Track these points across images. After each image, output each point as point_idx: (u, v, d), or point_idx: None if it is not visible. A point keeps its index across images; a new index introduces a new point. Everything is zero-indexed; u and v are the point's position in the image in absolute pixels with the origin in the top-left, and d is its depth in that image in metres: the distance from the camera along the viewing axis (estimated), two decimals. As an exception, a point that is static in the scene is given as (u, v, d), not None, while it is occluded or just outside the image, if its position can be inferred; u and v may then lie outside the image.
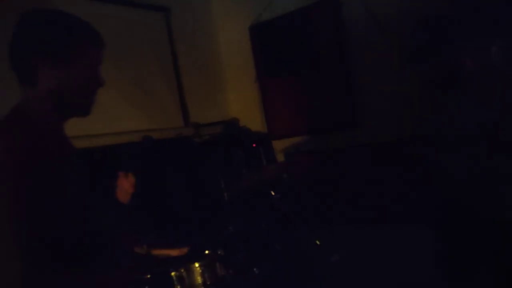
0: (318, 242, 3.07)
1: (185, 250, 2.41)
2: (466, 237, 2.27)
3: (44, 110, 1.29)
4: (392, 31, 2.88)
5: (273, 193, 3.04)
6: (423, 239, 2.48)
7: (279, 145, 3.66)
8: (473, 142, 2.11)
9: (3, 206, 1.12)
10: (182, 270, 2.04)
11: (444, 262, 2.37)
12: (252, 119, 3.72)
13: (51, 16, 1.30)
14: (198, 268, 2.08)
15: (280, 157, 3.68)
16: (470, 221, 2.22)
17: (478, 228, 2.20)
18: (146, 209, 2.67)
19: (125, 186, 2.26)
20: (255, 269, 2.50)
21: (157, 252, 2.36)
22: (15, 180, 1.12)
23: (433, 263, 2.44)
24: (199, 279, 2.08)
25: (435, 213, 2.37)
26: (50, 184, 1.17)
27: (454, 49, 2.07)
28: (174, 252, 2.40)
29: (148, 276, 1.88)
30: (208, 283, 2.08)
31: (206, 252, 2.18)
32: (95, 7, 2.94)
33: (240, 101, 3.87)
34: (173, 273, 1.96)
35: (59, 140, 1.35)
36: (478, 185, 2.14)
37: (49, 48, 1.25)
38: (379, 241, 3.22)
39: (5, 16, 1.61)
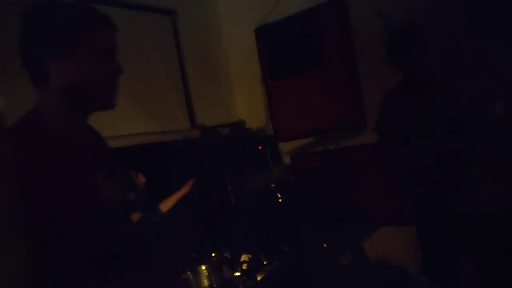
0: (325, 245, 3.05)
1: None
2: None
3: (60, 109, 1.17)
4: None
5: (279, 195, 3.03)
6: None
7: (285, 147, 3.65)
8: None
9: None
10: (189, 273, 2.04)
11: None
12: (258, 121, 3.71)
13: (51, 8, 1.18)
14: (204, 271, 2.07)
15: (287, 159, 3.66)
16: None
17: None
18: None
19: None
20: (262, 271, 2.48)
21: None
22: (27, 185, 1.01)
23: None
24: (205, 282, 2.07)
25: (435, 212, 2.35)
26: (66, 188, 1.08)
27: (422, 52, 2.21)
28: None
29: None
30: (215, 285, 2.07)
31: (213, 254, 2.17)
32: (102, 10, 2.95)
33: (246, 103, 3.85)
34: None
35: (79, 141, 1.24)
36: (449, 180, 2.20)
37: (53, 41, 1.13)
38: (382, 242, 3.19)
39: (5, 16, 1.61)
